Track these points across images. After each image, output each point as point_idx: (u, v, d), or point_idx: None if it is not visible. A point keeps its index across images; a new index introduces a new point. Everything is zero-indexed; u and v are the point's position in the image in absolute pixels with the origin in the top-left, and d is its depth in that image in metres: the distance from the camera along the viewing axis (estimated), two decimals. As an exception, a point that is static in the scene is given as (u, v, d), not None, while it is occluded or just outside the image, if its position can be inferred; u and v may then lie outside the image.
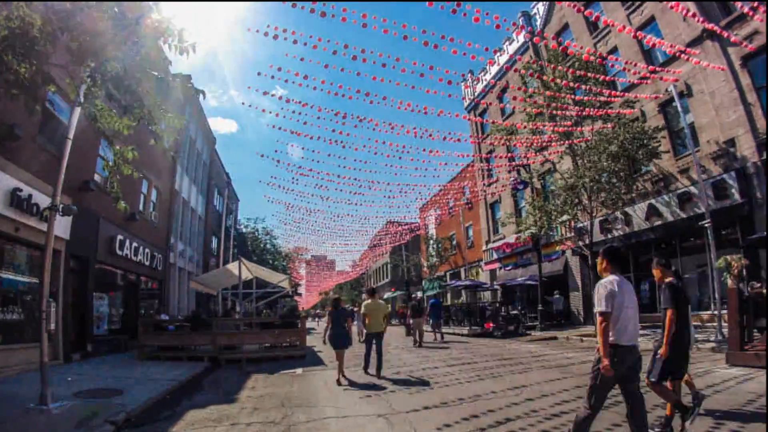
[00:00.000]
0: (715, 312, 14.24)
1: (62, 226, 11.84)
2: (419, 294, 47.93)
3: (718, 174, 17.12)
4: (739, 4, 13.46)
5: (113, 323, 16.94)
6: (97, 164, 14.71)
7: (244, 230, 50.84)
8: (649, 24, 20.02)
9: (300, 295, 67.13)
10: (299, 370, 11.82)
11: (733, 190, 16.48)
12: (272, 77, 13.88)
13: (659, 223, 19.37)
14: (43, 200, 10.82)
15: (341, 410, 7.00)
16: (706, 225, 14.42)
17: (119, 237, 16.37)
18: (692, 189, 17.69)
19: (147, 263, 19.36)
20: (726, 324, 11.06)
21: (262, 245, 51.82)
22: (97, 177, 14.62)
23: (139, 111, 6.62)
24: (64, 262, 12.69)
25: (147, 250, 19.23)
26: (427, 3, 10.63)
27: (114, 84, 6.31)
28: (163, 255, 21.98)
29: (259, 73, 14.62)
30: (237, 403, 7.81)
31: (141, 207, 19.24)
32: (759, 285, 11.35)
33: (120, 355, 14.93)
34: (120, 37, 5.35)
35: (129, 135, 7.22)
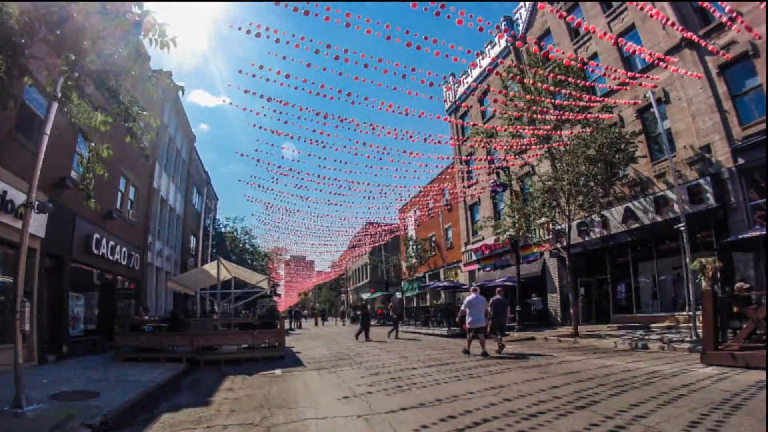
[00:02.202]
0: (690, 313, 14.52)
1: (37, 224, 11.60)
2: (398, 294, 48.02)
3: (694, 179, 17.49)
4: (717, 14, 13.76)
5: (89, 324, 16.65)
6: (74, 161, 14.42)
7: (223, 230, 50.40)
8: (630, 31, 20.38)
9: (279, 295, 66.82)
10: (278, 371, 11.75)
11: (708, 195, 16.85)
12: (253, 75, 13.78)
13: (636, 226, 19.71)
14: (18, 197, 10.61)
15: (321, 411, 6.98)
16: (682, 228, 14.72)
17: (96, 235, 16.10)
18: (668, 193, 18.03)
19: (124, 262, 19.07)
20: (701, 325, 11.29)
21: (241, 245, 51.44)
22: (73, 174, 14.32)
23: (116, 108, 6.52)
24: (39, 260, 12.42)
25: (124, 249, 18.94)
26: (411, 4, 10.66)
27: (92, 79, 6.21)
28: (141, 254, 21.67)
29: (240, 71, 14.53)
30: (215, 405, 7.74)
31: (118, 205, 18.94)
32: (748, 286, 11.64)
33: (96, 357, 14.67)
34: (101, 31, 5.26)
35: (107, 130, 7.11)
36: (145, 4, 5.41)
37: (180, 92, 6.30)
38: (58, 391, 8.41)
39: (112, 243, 17.55)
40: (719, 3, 12.14)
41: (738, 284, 11.67)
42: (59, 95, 6.68)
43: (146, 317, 17.77)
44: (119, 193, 19.13)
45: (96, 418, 6.48)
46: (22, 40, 5.57)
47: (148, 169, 22.63)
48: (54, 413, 6.70)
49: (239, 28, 11.92)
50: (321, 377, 10.73)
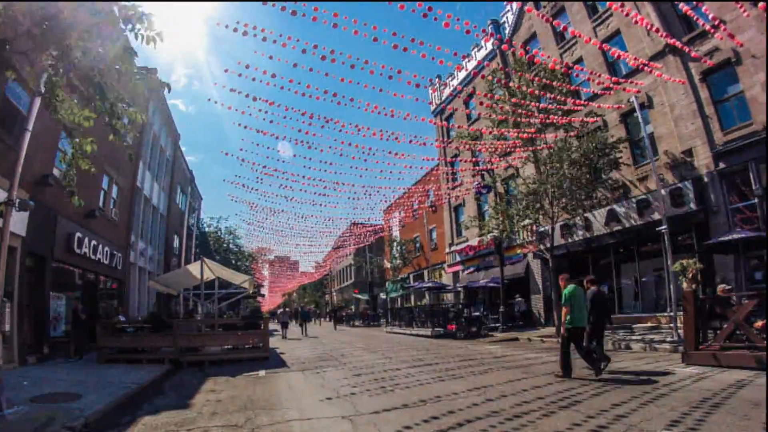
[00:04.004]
0: (672, 314, 14.72)
1: (18, 222, 11.39)
2: (382, 295, 48.06)
3: (676, 182, 17.72)
4: (701, 22, 14.00)
5: (71, 324, 16.37)
6: (57, 158, 14.23)
7: (207, 229, 50.01)
8: (615, 37, 20.60)
9: (263, 296, 66.48)
10: (262, 372, 11.71)
11: (690, 198, 17.11)
12: (239, 75, 13.75)
13: (618, 228, 19.94)
14: (-2, 195, 10.43)
15: (305, 412, 6.97)
16: (663, 231, 14.90)
17: (78, 234, 15.88)
18: (650, 196, 18.24)
19: (106, 262, 18.83)
20: (682, 325, 11.45)
21: (225, 245, 51.09)
22: (56, 171, 14.13)
23: (101, 104, 6.44)
24: (20, 260, 12.21)
25: (106, 249, 18.71)
26: (398, 5, 10.69)
27: (77, 75, 6.13)
28: (123, 254, 21.43)
29: (226, 70, 14.44)
30: (198, 407, 7.69)
31: (101, 203, 18.71)
32: (729, 288, 11.83)
33: (78, 358, 14.48)
34: (90, 27, 5.20)
35: (90, 128, 7.02)
36: (133, 3, 5.36)
37: (166, 90, 6.25)
38: (39, 393, 8.29)
39: (94, 242, 17.33)
40: (703, 11, 12.34)
41: (720, 286, 11.85)
42: (42, 90, 6.59)
43: (121, 317, 17.60)
44: (102, 192, 18.89)
45: (77, 420, 6.40)
46: (6, 34, 5.49)
47: (131, 167, 22.38)
48: (35, 416, 6.60)
49: (226, 26, 11.90)
50: (305, 378, 10.71)
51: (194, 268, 17.77)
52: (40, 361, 12.99)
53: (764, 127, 14.98)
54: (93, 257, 17.37)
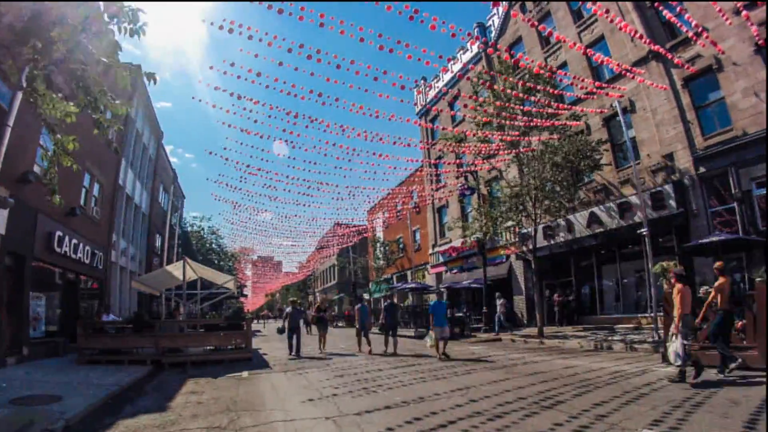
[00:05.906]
0: (652, 314, 14.93)
1: (-3, 221, 11.25)
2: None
3: (657, 185, 17.98)
4: (684, 29, 14.23)
5: (51, 325, 16.13)
6: (38, 155, 13.97)
7: (189, 229, 49.56)
8: (599, 42, 20.88)
9: (246, 296, 66.10)
10: (245, 373, 11.63)
11: (671, 201, 17.38)
12: (224, 72, 13.67)
13: (600, 230, 20.17)
14: (-24, 193, 10.24)
15: (289, 413, 6.95)
16: (644, 233, 15.11)
17: (58, 233, 15.63)
18: (632, 199, 18.49)
19: (87, 261, 18.54)
20: (662, 326, 11.62)
21: (207, 245, 50.70)
22: (36, 168, 13.87)
23: (84, 98, 6.34)
24: (-1, 258, 12.03)
25: (87, 248, 18.43)
26: (385, 7, 10.70)
27: (60, 68, 6.03)
28: (105, 253, 21.13)
29: (211, 67, 14.34)
30: (180, 408, 7.61)
31: (82, 201, 18.42)
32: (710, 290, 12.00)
33: (58, 359, 14.24)
34: (73, 22, 5.13)
35: (72, 124, 6.90)
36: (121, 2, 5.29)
37: (152, 82, 6.12)
38: (19, 395, 8.15)
39: (75, 241, 17.07)
40: (686, 18, 12.52)
41: (702, 288, 12.03)
42: (24, 85, 6.46)
43: (106, 318, 17.35)
44: (83, 190, 18.60)
45: (58, 423, 6.32)
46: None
47: (113, 164, 22.09)
48: (14, 419, 6.49)
49: (211, 23, 11.83)
50: (288, 379, 10.68)
51: (175, 268, 17.60)
52: (20, 362, 12.76)
53: (744, 132, 15.28)
54: (74, 256, 17.11)
